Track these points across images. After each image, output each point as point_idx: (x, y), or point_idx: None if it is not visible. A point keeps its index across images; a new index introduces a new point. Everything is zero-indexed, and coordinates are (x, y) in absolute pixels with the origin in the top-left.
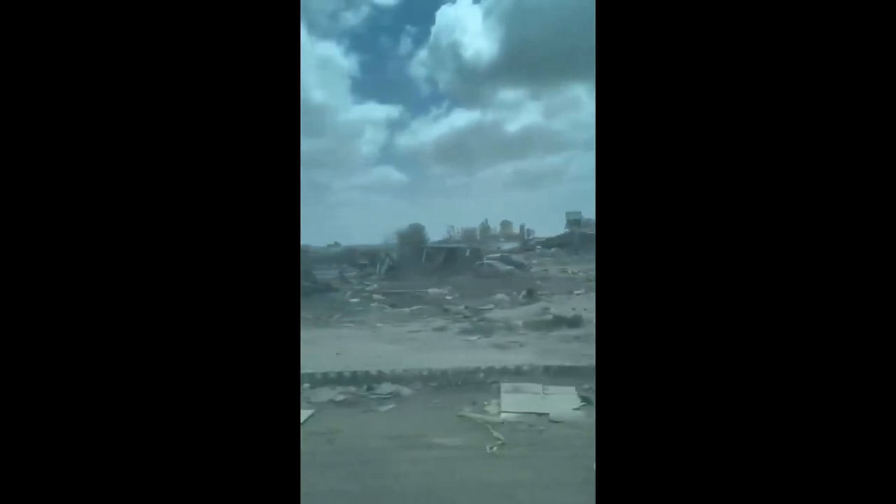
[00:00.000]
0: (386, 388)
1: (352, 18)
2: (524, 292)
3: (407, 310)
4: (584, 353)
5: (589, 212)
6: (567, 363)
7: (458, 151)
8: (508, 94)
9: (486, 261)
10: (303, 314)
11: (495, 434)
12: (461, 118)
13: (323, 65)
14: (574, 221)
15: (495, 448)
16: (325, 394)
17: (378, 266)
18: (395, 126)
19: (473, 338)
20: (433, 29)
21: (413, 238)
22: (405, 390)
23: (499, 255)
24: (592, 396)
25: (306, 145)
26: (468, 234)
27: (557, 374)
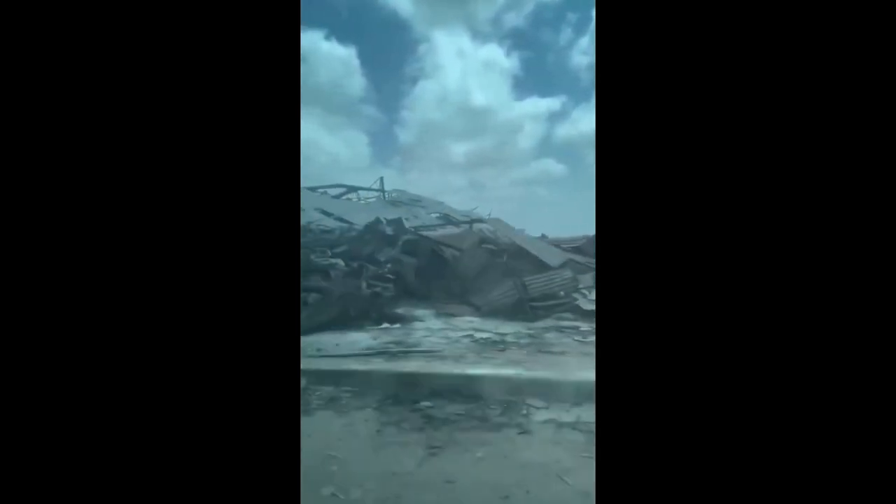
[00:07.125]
0: None
1: (514, 19)
2: None
3: None
4: None
5: None
6: None
7: None
8: None
9: None
10: None
11: None
12: None
13: (485, 68)
14: None
15: None
16: None
17: None
18: (555, 118)
19: None
20: (594, 13)
21: None
22: None
23: None
24: None
25: (465, 148)
26: None
27: None
